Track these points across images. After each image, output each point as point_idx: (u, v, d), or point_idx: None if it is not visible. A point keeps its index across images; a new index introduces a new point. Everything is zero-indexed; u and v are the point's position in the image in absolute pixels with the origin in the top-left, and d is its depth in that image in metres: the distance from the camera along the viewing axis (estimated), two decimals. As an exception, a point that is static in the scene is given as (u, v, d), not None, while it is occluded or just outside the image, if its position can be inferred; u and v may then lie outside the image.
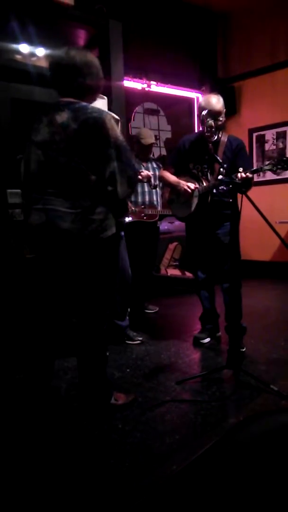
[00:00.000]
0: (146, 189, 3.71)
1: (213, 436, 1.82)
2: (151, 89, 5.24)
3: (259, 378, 2.30)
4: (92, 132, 1.77)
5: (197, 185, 2.76)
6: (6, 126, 3.84)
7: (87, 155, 1.78)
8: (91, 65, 1.86)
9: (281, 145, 5.37)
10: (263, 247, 5.23)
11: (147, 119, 5.44)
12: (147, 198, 3.70)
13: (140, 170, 3.16)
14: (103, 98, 2.79)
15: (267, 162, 2.59)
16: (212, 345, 3.01)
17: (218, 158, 2.53)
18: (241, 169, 2.44)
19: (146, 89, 5.18)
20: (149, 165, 3.79)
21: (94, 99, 1.96)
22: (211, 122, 2.48)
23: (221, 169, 2.68)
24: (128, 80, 4.82)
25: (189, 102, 5.97)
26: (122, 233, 2.91)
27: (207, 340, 3.05)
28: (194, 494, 0.84)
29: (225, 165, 2.61)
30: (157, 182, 3.77)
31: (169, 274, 4.79)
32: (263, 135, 5.49)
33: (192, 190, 2.75)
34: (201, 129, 2.64)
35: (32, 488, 1.55)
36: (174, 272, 4.91)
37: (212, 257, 3.01)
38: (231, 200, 2.40)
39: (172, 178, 2.89)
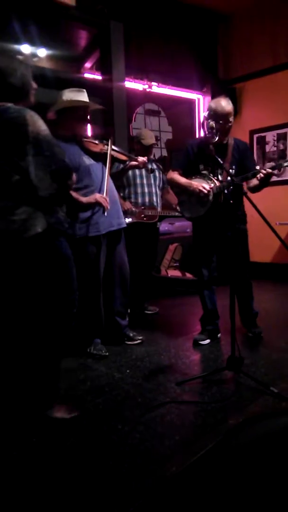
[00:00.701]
0: (146, 190, 3.71)
1: (213, 437, 1.82)
2: (152, 90, 5.24)
3: (259, 380, 2.30)
4: (11, 131, 1.79)
5: (212, 186, 2.81)
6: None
7: (8, 155, 1.79)
8: (13, 67, 1.87)
9: (282, 146, 5.37)
10: (263, 248, 5.22)
11: (148, 120, 5.44)
12: (147, 199, 3.70)
13: (135, 157, 3.15)
14: (83, 91, 2.79)
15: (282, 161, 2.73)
16: (212, 347, 3.01)
17: (219, 160, 2.57)
18: (258, 167, 2.56)
19: (147, 90, 5.18)
20: (149, 166, 3.78)
21: (29, 102, 1.97)
22: (212, 123, 2.52)
23: (231, 170, 2.79)
24: (129, 81, 4.83)
25: (190, 103, 5.97)
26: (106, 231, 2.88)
27: (207, 341, 3.06)
28: (194, 496, 0.83)
29: (233, 166, 2.81)
30: (161, 185, 3.80)
31: (169, 275, 4.79)
32: (264, 137, 5.49)
33: (208, 191, 2.79)
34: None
35: (31, 489, 1.55)
36: (174, 273, 4.91)
37: (219, 257, 3.06)
38: (231, 201, 2.42)
39: (182, 179, 2.95)
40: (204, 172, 2.90)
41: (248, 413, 2.03)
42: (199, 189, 2.80)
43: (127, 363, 2.74)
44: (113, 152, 2.90)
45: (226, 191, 2.81)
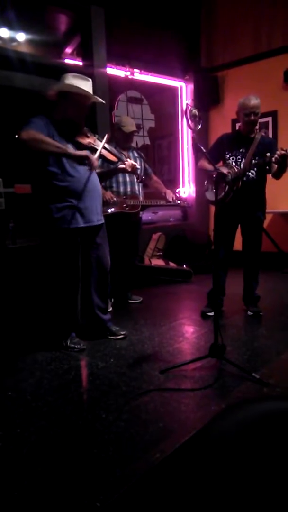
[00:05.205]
0: (128, 179, 3.64)
1: (196, 424, 1.84)
2: (135, 77, 5.18)
3: (241, 366, 2.33)
4: None
5: (230, 171, 3.11)
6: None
7: None
8: None
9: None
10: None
11: (131, 108, 5.39)
12: (128, 188, 3.65)
13: (125, 160, 3.12)
14: (88, 80, 2.71)
15: None
16: (196, 334, 3.04)
17: (201, 147, 2.59)
18: (278, 151, 2.87)
19: (129, 77, 5.11)
20: (130, 154, 3.73)
21: None
22: (195, 111, 2.54)
23: (253, 161, 3.11)
24: (111, 67, 4.75)
25: (172, 91, 5.93)
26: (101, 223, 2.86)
27: (212, 313, 3.23)
28: (177, 482, 0.84)
29: (256, 158, 3.12)
30: (143, 174, 3.74)
31: (153, 264, 4.79)
32: (246, 125, 5.49)
33: (225, 175, 3.05)
34: (238, 127, 3.22)
35: (16, 478, 1.55)
36: (158, 262, 4.92)
37: (233, 239, 3.38)
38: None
39: (208, 166, 3.20)
40: (229, 161, 3.22)
41: (231, 399, 2.07)
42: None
43: (111, 352, 2.74)
44: (103, 150, 2.81)
45: (245, 178, 3.14)
